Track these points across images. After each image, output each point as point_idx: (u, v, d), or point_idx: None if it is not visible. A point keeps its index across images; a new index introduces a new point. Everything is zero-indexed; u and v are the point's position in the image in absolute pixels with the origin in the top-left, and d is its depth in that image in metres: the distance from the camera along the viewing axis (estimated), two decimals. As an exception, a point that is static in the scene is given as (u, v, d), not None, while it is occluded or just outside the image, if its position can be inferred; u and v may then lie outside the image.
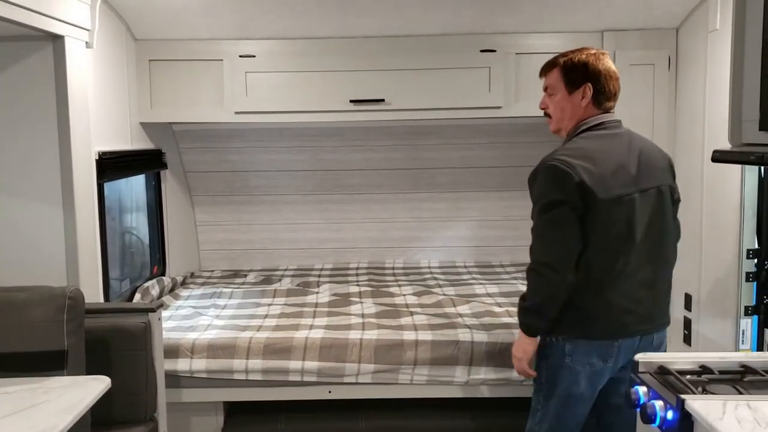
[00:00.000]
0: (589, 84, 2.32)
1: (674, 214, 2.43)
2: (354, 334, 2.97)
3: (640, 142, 2.39)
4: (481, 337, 2.91)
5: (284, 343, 2.92)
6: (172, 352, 2.89)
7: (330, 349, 2.90)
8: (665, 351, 2.48)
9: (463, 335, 2.92)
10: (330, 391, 2.93)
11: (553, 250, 2.26)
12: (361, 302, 3.50)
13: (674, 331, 3.46)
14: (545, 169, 2.24)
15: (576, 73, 2.34)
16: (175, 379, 2.87)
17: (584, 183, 2.17)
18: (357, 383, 2.91)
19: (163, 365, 2.71)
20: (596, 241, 2.24)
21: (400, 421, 3.09)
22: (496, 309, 3.31)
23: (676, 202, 2.43)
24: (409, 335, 2.95)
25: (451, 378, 2.89)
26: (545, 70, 2.44)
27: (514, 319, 2.88)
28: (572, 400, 2.37)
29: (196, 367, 2.90)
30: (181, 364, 2.89)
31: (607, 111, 2.37)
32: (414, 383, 2.91)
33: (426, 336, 2.93)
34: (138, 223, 3.83)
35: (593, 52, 2.36)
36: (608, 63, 2.35)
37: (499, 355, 2.86)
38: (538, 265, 2.29)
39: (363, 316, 3.27)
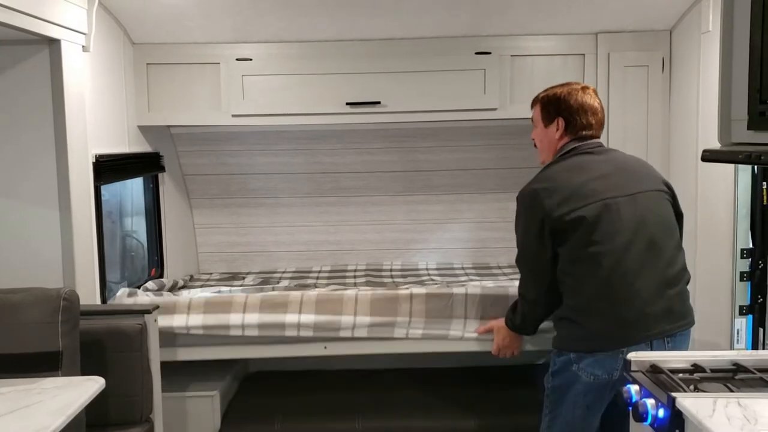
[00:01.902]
0: (561, 118, 2.48)
1: (675, 219, 2.46)
2: (349, 293, 2.97)
3: (622, 157, 2.50)
4: (475, 290, 2.92)
5: (281, 299, 2.90)
6: (169, 309, 2.86)
7: (326, 303, 2.89)
8: None
9: (457, 289, 2.94)
10: (326, 347, 2.92)
11: (526, 283, 2.53)
12: (357, 290, 3.46)
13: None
14: (517, 201, 2.47)
15: (551, 107, 2.52)
16: (170, 338, 2.83)
17: (548, 201, 2.33)
18: (353, 338, 2.88)
19: (159, 366, 2.72)
20: (583, 257, 2.31)
21: (397, 422, 3.10)
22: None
23: (678, 215, 2.48)
24: (404, 292, 2.96)
25: (446, 332, 2.89)
26: (532, 105, 2.62)
27: (508, 278, 2.86)
28: (579, 409, 2.39)
29: (193, 323, 2.87)
30: (177, 320, 2.87)
31: (585, 139, 2.46)
32: (409, 338, 2.90)
33: (420, 291, 2.95)
34: (137, 226, 3.84)
35: (574, 87, 2.52)
36: (586, 98, 2.48)
37: (492, 308, 2.87)
38: (519, 295, 2.59)
39: (357, 289, 3.24)
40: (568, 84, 2.54)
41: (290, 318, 2.88)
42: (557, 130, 2.49)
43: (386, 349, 2.93)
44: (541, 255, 2.39)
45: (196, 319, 2.88)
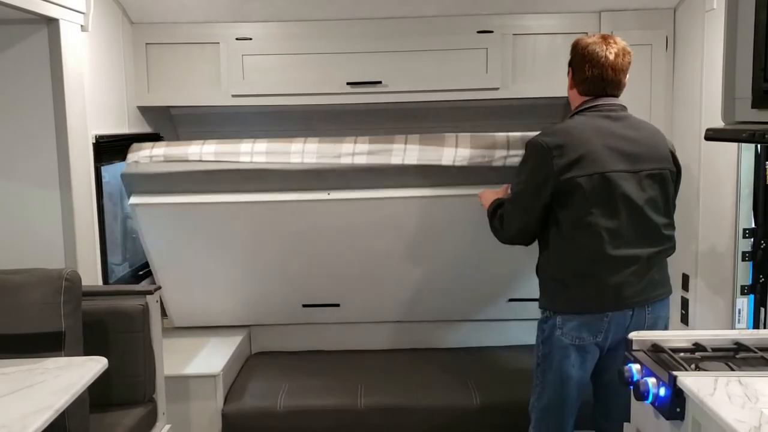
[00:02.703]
0: (570, 68, 2.47)
1: (671, 198, 2.47)
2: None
3: (636, 127, 2.44)
4: (465, 133, 3.06)
5: (287, 139, 3.11)
6: (184, 144, 3.09)
7: (328, 140, 3.08)
8: (666, 327, 2.52)
9: (448, 134, 3.08)
10: (329, 194, 3.05)
11: (510, 220, 2.48)
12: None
13: (672, 311, 3.46)
14: (527, 148, 2.43)
15: (570, 57, 2.49)
16: (182, 170, 3.03)
17: (558, 160, 2.31)
18: (353, 166, 3.02)
19: (162, 346, 2.73)
20: (577, 218, 2.35)
21: (399, 400, 3.13)
22: None
23: (675, 187, 2.49)
24: (399, 135, 3.10)
25: (439, 158, 2.99)
26: None
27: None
28: (566, 374, 2.44)
29: (206, 150, 3.05)
30: (193, 148, 3.06)
31: (601, 96, 2.42)
32: (405, 163, 3.00)
33: (414, 135, 3.10)
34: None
35: (593, 37, 2.45)
36: (595, 48, 2.39)
37: (482, 140, 2.99)
38: (492, 228, 2.58)
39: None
40: (594, 35, 2.49)
41: (295, 147, 3.07)
42: (569, 81, 2.48)
43: (385, 193, 3.05)
44: (535, 201, 2.38)
45: (210, 147, 3.07)
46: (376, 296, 3.52)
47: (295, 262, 3.32)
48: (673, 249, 2.48)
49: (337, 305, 3.58)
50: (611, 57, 2.38)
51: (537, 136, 2.40)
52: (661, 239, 2.42)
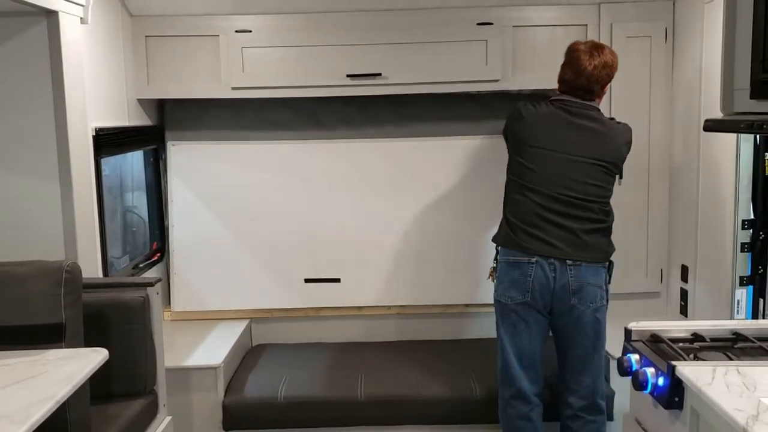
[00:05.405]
0: (561, 66, 2.81)
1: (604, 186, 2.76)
2: None
3: (594, 122, 2.74)
4: None
5: None
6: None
7: None
8: (602, 297, 2.69)
9: None
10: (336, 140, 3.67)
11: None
12: None
13: (671, 302, 3.48)
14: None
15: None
16: None
17: (514, 124, 2.84)
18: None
19: (162, 338, 2.74)
20: (511, 174, 2.83)
21: (399, 392, 3.14)
22: None
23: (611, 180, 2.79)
24: None
25: None
26: None
27: None
28: (511, 331, 2.76)
29: None
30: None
31: (573, 95, 2.76)
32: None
33: None
34: (138, 201, 3.84)
35: (585, 42, 2.81)
36: (579, 55, 2.73)
37: None
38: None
39: None
40: (588, 42, 2.82)
41: None
42: (558, 74, 2.83)
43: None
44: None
45: None
46: (376, 272, 3.67)
47: (301, 221, 3.67)
48: (604, 224, 2.74)
49: (338, 280, 3.65)
50: (589, 68, 2.71)
51: (523, 102, 2.87)
52: (586, 209, 2.70)
